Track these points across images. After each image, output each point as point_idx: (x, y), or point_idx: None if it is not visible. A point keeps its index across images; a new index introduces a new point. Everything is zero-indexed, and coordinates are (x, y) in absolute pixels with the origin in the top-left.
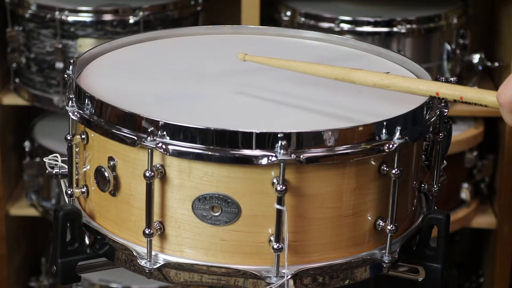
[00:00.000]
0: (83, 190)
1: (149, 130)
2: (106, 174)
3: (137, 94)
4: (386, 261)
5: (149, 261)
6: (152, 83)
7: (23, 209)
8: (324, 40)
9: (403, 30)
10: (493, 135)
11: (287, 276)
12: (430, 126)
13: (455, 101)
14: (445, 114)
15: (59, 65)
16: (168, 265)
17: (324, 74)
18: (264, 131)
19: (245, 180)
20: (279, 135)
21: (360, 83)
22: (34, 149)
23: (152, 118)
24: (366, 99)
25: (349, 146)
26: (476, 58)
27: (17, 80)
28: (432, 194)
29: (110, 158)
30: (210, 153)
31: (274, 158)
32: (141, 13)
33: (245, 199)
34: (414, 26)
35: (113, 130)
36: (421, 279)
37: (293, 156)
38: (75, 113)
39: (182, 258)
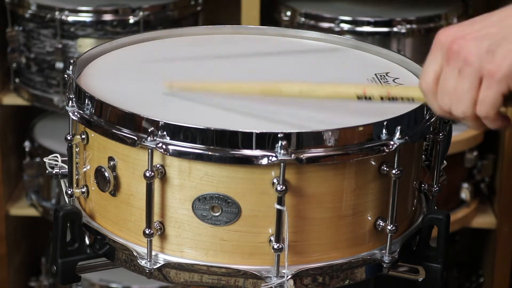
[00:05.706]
0: (83, 190)
1: (149, 130)
2: (106, 174)
3: (137, 94)
4: (386, 261)
5: (149, 261)
6: (152, 83)
7: (23, 209)
8: (324, 40)
9: (403, 30)
10: (493, 135)
11: (287, 276)
12: (430, 126)
13: (382, 99)
14: None
15: (59, 65)
16: (168, 265)
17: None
18: (264, 131)
19: (245, 180)
20: (279, 135)
21: (286, 94)
22: (34, 149)
23: (152, 118)
24: None
25: (349, 146)
26: None
27: (17, 80)
28: (432, 194)
29: (110, 158)
30: (210, 153)
31: (274, 158)
32: (141, 13)
33: (245, 199)
34: (414, 26)
35: (113, 130)
36: (421, 279)
37: (293, 156)
38: (75, 113)
39: (182, 258)
